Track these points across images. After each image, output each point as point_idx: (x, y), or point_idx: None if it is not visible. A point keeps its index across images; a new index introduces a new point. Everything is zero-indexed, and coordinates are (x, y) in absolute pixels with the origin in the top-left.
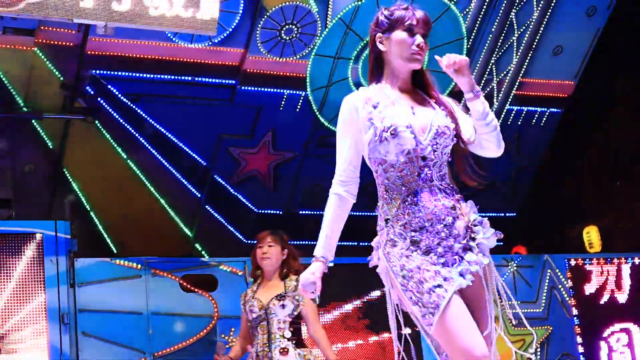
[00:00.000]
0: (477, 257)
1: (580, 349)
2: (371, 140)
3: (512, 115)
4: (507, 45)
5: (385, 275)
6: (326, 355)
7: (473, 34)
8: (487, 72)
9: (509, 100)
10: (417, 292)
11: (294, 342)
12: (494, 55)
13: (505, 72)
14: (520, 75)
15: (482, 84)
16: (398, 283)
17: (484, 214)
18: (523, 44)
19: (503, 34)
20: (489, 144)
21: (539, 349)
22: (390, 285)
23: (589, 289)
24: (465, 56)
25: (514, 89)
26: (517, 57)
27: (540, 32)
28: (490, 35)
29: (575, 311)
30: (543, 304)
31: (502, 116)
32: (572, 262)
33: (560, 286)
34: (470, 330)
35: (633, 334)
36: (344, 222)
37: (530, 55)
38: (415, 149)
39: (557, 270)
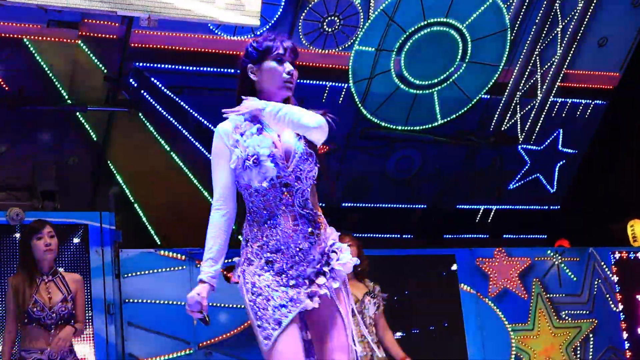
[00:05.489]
0: (327, 282)
1: (626, 343)
2: (236, 167)
3: (556, 107)
4: (551, 37)
5: (240, 292)
6: (397, 353)
7: (517, 25)
8: (531, 64)
9: (553, 92)
10: (263, 309)
11: None
12: (538, 47)
13: (549, 64)
14: (565, 66)
15: (525, 76)
16: (247, 299)
17: (528, 207)
18: (567, 35)
19: (547, 25)
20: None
21: (583, 342)
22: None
23: (635, 282)
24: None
25: (558, 80)
26: (562, 48)
27: (585, 23)
28: (534, 27)
29: (620, 305)
30: (588, 297)
31: (546, 108)
32: (617, 256)
33: (605, 279)
34: (296, 354)
35: None
36: (227, 245)
37: (574, 46)
38: (279, 176)
39: (603, 264)
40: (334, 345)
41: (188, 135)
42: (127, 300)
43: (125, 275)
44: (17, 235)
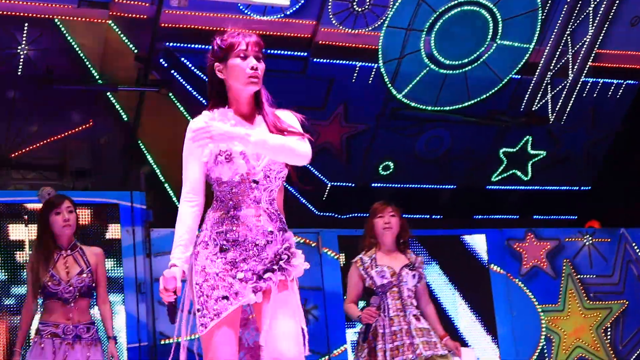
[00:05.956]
0: (272, 276)
1: None
2: (208, 161)
3: (588, 87)
4: (582, 16)
5: (188, 272)
6: (436, 329)
7: (548, 4)
8: (562, 44)
9: (585, 72)
10: (206, 295)
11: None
12: (569, 27)
13: (580, 44)
14: (596, 46)
15: (556, 56)
16: (194, 280)
17: (559, 188)
18: (599, 15)
19: (579, 5)
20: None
21: (614, 324)
22: (188, 281)
23: None
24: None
25: (590, 60)
26: (593, 28)
27: (617, 2)
28: (566, 6)
29: None
30: (619, 278)
31: (577, 88)
32: None
33: (637, 260)
34: (227, 349)
35: None
36: (195, 233)
37: (606, 26)
38: (248, 173)
39: (634, 244)
40: (279, 333)
41: None
42: (158, 279)
43: (156, 255)
44: None
